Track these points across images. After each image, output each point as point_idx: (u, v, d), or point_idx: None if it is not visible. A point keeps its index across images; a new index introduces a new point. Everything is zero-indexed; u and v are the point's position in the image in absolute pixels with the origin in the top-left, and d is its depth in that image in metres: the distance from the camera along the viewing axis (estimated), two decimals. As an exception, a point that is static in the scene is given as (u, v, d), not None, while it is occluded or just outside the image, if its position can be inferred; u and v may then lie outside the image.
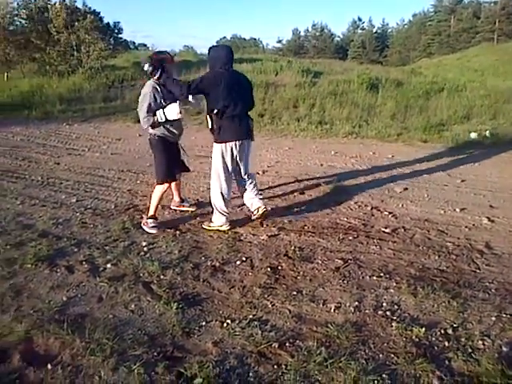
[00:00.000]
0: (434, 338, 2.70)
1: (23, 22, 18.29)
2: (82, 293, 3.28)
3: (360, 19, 79.06)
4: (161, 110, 4.27)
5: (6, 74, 16.93)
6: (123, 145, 8.85)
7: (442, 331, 2.76)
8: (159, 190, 4.52)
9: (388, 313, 2.97)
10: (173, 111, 4.24)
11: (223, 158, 4.33)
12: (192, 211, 5.03)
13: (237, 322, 2.90)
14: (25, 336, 2.71)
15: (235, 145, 4.32)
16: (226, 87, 4.14)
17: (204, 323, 2.90)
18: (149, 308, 3.07)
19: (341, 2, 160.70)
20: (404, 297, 3.17)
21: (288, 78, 14.77)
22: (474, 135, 8.99)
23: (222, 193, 4.40)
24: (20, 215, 4.88)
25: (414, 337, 2.71)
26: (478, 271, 3.61)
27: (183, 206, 5.10)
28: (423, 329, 2.74)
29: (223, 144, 4.29)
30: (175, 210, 5.08)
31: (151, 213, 4.55)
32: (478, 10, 59.47)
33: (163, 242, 4.14)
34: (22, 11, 18.07)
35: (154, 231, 4.42)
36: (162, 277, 3.50)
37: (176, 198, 5.10)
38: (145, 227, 4.48)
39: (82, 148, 8.53)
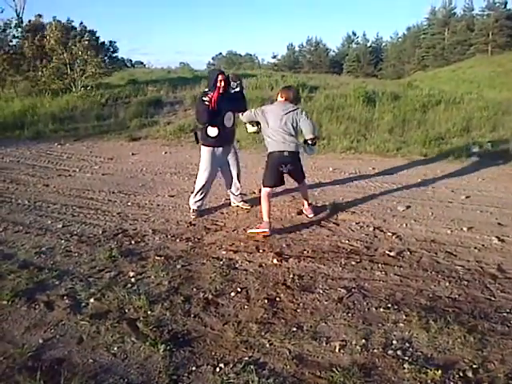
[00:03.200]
0: (452, 383, 2.40)
1: (17, 40, 18.21)
2: (61, 333, 2.97)
3: (354, 34, 79.57)
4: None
5: (-3, 94, 16.73)
6: (115, 164, 8.57)
7: (461, 373, 2.47)
8: None
9: (399, 352, 2.68)
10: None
11: None
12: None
13: (231, 365, 2.60)
14: (-10, 390, 2.42)
15: None
16: None
17: (194, 368, 2.60)
18: (133, 351, 2.77)
19: (335, 17, 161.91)
20: (415, 332, 2.88)
21: (284, 93, 14.57)
22: (474, 148, 8.76)
23: None
24: (1, 243, 4.57)
25: (429, 381, 2.41)
26: (492, 299, 3.33)
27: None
28: (439, 371, 2.45)
29: None
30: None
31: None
32: (472, 23, 59.85)
33: (152, 272, 3.84)
34: (16, 30, 18.02)
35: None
36: (149, 312, 3.20)
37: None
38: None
39: (73, 168, 8.24)
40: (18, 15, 19.86)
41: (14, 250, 4.41)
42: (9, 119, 13.23)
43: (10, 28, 17.88)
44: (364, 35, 77.92)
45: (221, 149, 5.29)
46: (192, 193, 5.50)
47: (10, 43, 17.97)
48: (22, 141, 11.22)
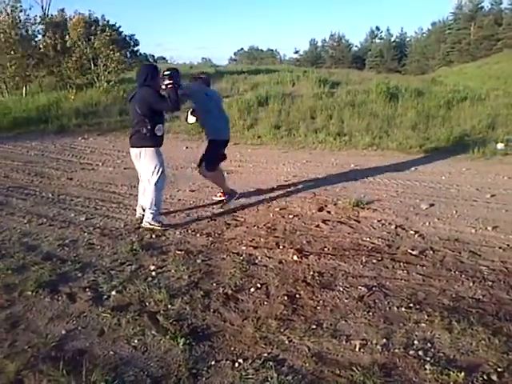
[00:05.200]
0: (475, 386, 2.35)
1: (41, 36, 18.51)
2: (83, 325, 3.01)
3: (378, 28, 78.40)
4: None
5: (24, 89, 17.03)
6: (137, 159, 8.64)
7: (485, 376, 2.41)
8: None
9: (420, 352, 2.63)
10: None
11: None
12: None
13: (250, 361, 2.60)
14: (15, 377, 2.46)
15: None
16: None
17: (213, 362, 2.60)
18: (153, 344, 2.79)
19: (358, 12, 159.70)
20: (438, 332, 2.82)
21: (305, 89, 14.49)
22: (500, 146, 8.55)
23: None
24: (26, 235, 4.67)
25: (452, 383, 2.36)
26: (518, 301, 3.25)
27: None
28: (462, 373, 2.39)
29: None
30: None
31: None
32: (500, 17, 58.28)
33: (173, 266, 3.87)
34: (39, 25, 18.32)
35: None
36: (169, 306, 3.22)
37: None
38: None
39: (96, 162, 8.36)
40: (43, 11, 20.16)
41: (38, 242, 4.49)
42: (33, 113, 13.47)
43: (36, 25, 18.19)
44: (388, 30, 76.81)
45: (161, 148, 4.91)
46: (149, 207, 4.82)
47: (36, 38, 18.28)
48: (46, 135, 11.43)
